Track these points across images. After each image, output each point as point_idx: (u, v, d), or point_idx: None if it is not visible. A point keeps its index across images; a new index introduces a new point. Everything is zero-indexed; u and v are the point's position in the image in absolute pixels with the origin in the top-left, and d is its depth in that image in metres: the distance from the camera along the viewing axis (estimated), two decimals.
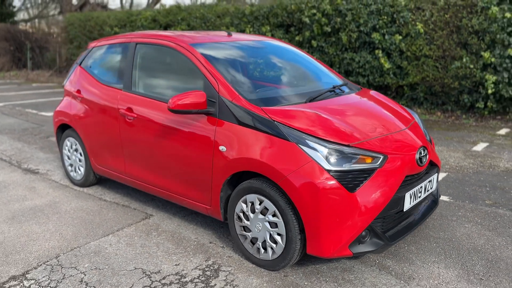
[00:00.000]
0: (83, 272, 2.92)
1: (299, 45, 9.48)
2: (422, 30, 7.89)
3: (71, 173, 4.60)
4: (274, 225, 2.80)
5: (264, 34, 9.80)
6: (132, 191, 4.42)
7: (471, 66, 7.45)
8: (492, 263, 2.96)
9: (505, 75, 7.18)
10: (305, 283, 2.77)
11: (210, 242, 3.32)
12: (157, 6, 20.98)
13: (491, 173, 4.79)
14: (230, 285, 2.75)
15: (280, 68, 3.77)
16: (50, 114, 8.76)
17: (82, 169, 4.44)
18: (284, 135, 2.72)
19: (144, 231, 3.51)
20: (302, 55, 4.01)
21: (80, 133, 4.25)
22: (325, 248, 2.61)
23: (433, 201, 3.30)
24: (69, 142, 4.53)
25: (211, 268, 2.96)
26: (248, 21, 10.17)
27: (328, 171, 2.57)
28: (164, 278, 2.84)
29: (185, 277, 2.85)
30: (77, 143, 4.40)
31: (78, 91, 4.26)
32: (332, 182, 2.55)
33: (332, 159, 2.61)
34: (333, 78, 3.81)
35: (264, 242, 2.88)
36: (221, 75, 3.13)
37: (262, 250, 2.91)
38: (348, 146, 2.66)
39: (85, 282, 2.82)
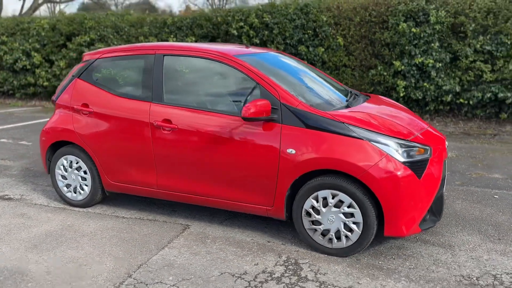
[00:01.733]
0: (174, 285, 2.90)
1: None
2: (341, 43, 8.91)
3: (68, 194, 4.26)
4: (349, 215, 3.17)
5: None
6: (144, 205, 4.30)
7: (384, 73, 8.69)
8: (497, 226, 3.75)
9: (413, 80, 8.56)
10: (379, 263, 3.19)
11: (268, 242, 3.52)
12: (37, 13, 19.15)
13: None
14: (319, 274, 3.03)
15: (307, 76, 4.12)
16: None
17: (87, 188, 4.16)
18: (356, 135, 3.11)
19: (197, 240, 3.53)
20: (312, 68, 4.41)
21: (89, 149, 4.00)
22: (403, 228, 3.07)
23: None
24: (66, 161, 4.20)
25: (290, 262, 3.19)
26: (171, 31, 10.16)
27: (402, 162, 3.04)
28: (256, 277, 2.99)
29: (274, 273, 3.03)
30: (80, 160, 4.12)
31: (85, 105, 4.01)
32: (407, 171, 3.03)
33: (401, 152, 3.08)
34: (340, 86, 4.31)
35: (337, 232, 3.22)
36: (278, 84, 3.38)
37: (335, 240, 3.24)
38: (408, 140, 3.17)
39: None
